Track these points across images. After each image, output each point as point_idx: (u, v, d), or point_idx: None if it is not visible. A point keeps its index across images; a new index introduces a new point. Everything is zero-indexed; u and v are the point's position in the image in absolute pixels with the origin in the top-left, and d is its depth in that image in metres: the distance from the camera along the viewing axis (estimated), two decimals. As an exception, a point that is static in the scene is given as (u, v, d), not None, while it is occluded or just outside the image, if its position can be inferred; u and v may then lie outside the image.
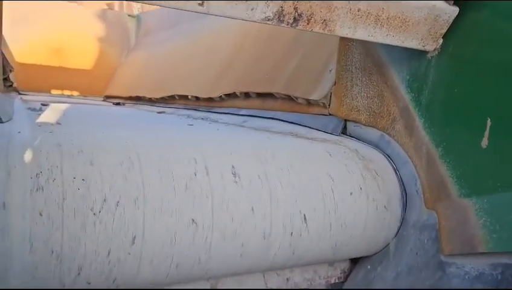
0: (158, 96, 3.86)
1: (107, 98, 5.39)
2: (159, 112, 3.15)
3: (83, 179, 1.01)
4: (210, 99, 2.95)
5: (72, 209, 0.98)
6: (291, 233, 1.31)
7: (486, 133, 1.26)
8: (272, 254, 1.33)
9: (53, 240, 0.97)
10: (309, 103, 1.99)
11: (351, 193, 1.40)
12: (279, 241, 1.30)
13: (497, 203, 1.23)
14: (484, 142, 1.26)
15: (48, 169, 0.99)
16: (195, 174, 1.15)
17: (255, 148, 1.33)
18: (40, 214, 0.95)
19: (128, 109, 3.90)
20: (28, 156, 0.99)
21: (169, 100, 3.67)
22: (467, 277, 1.27)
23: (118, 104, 4.67)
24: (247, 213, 1.22)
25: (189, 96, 3.22)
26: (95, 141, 1.14)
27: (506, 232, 1.20)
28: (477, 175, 1.28)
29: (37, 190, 0.95)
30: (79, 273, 1.02)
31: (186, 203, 1.13)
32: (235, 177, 1.20)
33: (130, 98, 4.66)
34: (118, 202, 1.03)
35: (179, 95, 3.45)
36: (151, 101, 4.07)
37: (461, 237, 1.29)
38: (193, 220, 1.13)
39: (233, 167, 1.22)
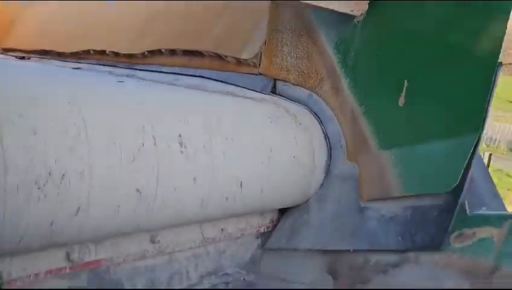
0: (69, 50, 3.59)
1: (5, 51, 4.86)
2: (74, 68, 2.95)
3: (25, 151, 0.95)
4: (131, 56, 2.82)
5: (15, 185, 0.93)
6: (227, 198, 1.39)
7: (403, 93, 1.42)
8: (207, 214, 1.41)
9: None
10: (239, 62, 2.02)
11: (285, 162, 1.51)
12: (215, 205, 1.38)
13: (410, 154, 1.41)
14: (401, 101, 1.42)
15: None
16: (143, 145, 1.14)
17: (200, 112, 1.35)
18: None
19: (40, 64, 3.58)
20: None
21: (82, 55, 3.44)
22: (382, 219, 1.45)
23: (22, 58, 4.24)
24: (190, 183, 1.26)
25: (107, 52, 3.05)
26: (34, 101, 1.04)
27: (416, 179, 1.39)
28: (395, 130, 1.45)
29: None
30: (20, 241, 0.99)
31: (132, 175, 1.12)
32: (181, 147, 1.22)
33: (34, 52, 4.25)
34: (64, 175, 1.00)
35: (94, 50, 3.24)
36: (60, 56, 3.76)
37: (379, 184, 1.47)
38: (137, 189, 1.14)
39: (180, 135, 1.22)
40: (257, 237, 1.78)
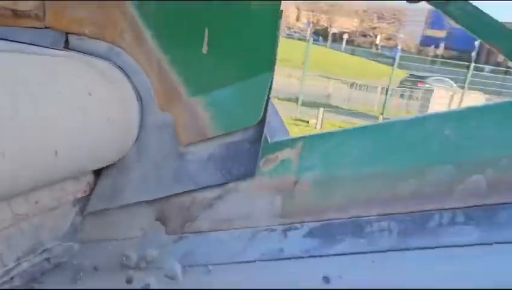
0: None
1: None
2: None
3: None
4: None
5: None
6: (41, 170, 1.26)
7: (205, 41, 1.52)
8: (18, 190, 1.26)
9: None
10: (16, 14, 1.75)
11: (99, 123, 1.44)
12: (27, 179, 1.24)
13: (218, 97, 1.55)
14: (204, 49, 1.53)
15: None
16: None
17: (2, 75, 1.14)
18: None
19: None
20: None
21: None
22: (202, 160, 1.58)
23: None
24: None
25: None
26: None
27: (225, 118, 1.56)
28: (202, 76, 1.56)
29: None
30: None
31: None
32: None
33: None
34: None
35: None
36: None
37: (194, 129, 1.58)
38: None
39: None
40: (75, 204, 1.68)
